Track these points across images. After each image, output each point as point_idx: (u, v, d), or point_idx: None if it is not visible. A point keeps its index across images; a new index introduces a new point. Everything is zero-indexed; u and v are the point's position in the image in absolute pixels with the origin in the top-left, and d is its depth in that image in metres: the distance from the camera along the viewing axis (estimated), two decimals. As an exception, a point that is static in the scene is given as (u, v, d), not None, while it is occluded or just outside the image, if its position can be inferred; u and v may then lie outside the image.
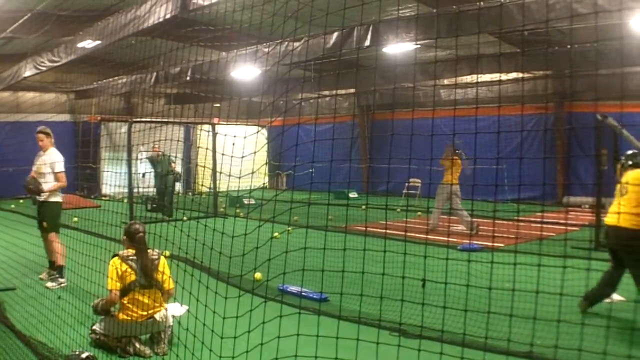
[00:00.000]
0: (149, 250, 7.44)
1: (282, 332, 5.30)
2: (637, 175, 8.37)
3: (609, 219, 8.52)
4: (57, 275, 10.66)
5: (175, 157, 21.50)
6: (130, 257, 7.29)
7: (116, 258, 7.29)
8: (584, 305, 8.61)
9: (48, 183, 10.90)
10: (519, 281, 5.42)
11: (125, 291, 7.16)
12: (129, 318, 7.12)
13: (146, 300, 7.17)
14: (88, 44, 17.94)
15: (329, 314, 8.16)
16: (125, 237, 7.60)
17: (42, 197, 10.92)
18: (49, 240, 10.86)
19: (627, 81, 21.49)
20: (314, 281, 8.72)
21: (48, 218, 10.89)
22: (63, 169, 11.03)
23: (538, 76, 25.05)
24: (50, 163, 10.92)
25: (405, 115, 24.68)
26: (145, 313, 7.15)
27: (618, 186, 8.63)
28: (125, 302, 7.18)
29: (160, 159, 20.99)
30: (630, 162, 8.87)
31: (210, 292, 6.04)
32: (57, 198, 11.07)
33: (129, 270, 7.18)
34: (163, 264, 7.48)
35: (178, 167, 22.29)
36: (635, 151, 9.20)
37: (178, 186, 25.23)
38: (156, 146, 20.29)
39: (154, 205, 21.48)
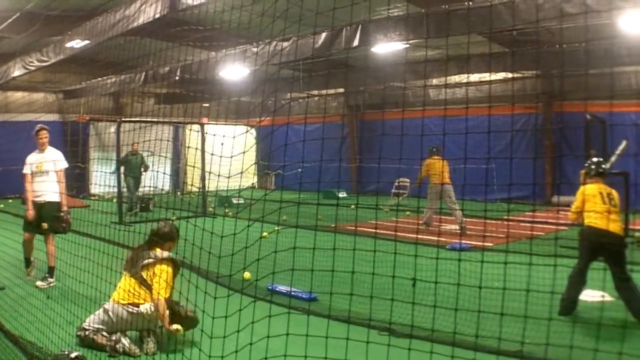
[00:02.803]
0: (155, 250, 7.57)
1: (272, 331, 5.31)
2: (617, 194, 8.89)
3: (603, 224, 8.61)
4: (47, 275, 10.66)
5: (166, 157, 21.43)
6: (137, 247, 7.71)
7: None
8: (563, 310, 8.66)
9: (51, 182, 10.89)
10: (508, 280, 5.43)
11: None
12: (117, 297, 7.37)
13: (127, 287, 7.42)
14: (77, 43, 17.89)
15: (318, 314, 8.16)
16: None
17: (43, 198, 10.89)
18: (48, 243, 10.82)
19: (615, 81, 21.56)
20: (303, 281, 8.71)
21: (49, 218, 10.81)
22: (66, 165, 11.10)
23: (527, 76, 25.14)
24: (53, 160, 10.94)
25: (394, 115, 24.73)
26: (127, 295, 7.34)
27: (599, 193, 8.83)
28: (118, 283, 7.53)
29: (134, 159, 21.03)
30: (599, 170, 9.11)
31: (199, 292, 6.04)
32: (57, 198, 11.03)
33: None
34: (159, 269, 7.47)
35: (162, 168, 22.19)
36: (601, 159, 9.39)
37: (168, 186, 25.26)
38: (135, 145, 20.34)
39: (143, 205, 21.49)
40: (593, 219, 8.75)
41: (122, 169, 21.12)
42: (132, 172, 21.29)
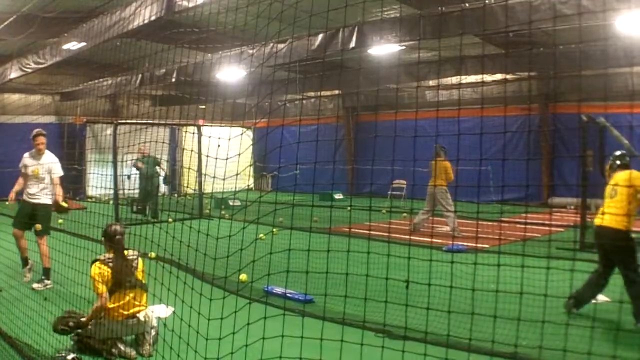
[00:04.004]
0: (126, 252, 7.45)
1: (267, 333, 5.30)
2: (626, 177, 8.35)
3: (599, 220, 8.50)
4: (43, 277, 10.66)
5: (161, 158, 21.39)
6: (109, 260, 7.30)
7: (97, 262, 7.28)
8: (569, 306, 8.62)
9: (47, 187, 10.90)
10: (504, 282, 5.44)
11: (110, 293, 7.17)
12: (112, 318, 7.14)
13: (127, 299, 7.22)
14: (73, 45, 17.90)
15: (313, 315, 8.16)
16: (103, 238, 7.58)
17: (36, 200, 10.89)
18: (41, 244, 10.81)
19: (611, 82, 21.55)
20: (298, 282, 8.72)
21: (44, 220, 10.84)
22: (61, 174, 11.10)
23: (523, 77, 25.14)
24: (49, 168, 10.99)
25: (390, 117, 24.74)
26: (126, 312, 7.17)
27: (608, 188, 8.65)
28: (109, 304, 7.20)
29: (146, 160, 20.85)
30: (618, 163, 8.85)
31: (195, 294, 6.04)
32: (50, 200, 11.04)
33: (109, 273, 7.21)
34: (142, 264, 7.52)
35: (164, 167, 22.16)
36: (623, 151, 9.17)
37: (164, 188, 25.16)
38: (142, 147, 20.25)
39: (139, 207, 21.40)
40: (597, 218, 8.69)
41: (133, 170, 21.12)
42: (143, 175, 21.15)
